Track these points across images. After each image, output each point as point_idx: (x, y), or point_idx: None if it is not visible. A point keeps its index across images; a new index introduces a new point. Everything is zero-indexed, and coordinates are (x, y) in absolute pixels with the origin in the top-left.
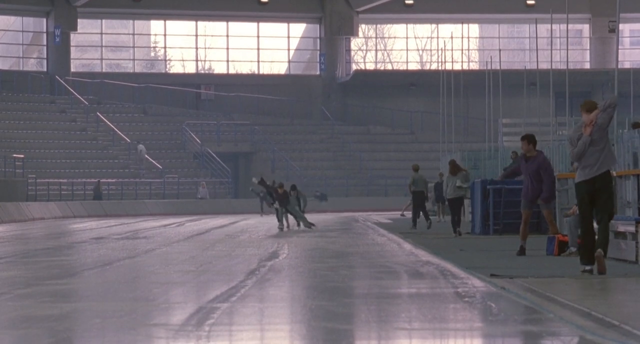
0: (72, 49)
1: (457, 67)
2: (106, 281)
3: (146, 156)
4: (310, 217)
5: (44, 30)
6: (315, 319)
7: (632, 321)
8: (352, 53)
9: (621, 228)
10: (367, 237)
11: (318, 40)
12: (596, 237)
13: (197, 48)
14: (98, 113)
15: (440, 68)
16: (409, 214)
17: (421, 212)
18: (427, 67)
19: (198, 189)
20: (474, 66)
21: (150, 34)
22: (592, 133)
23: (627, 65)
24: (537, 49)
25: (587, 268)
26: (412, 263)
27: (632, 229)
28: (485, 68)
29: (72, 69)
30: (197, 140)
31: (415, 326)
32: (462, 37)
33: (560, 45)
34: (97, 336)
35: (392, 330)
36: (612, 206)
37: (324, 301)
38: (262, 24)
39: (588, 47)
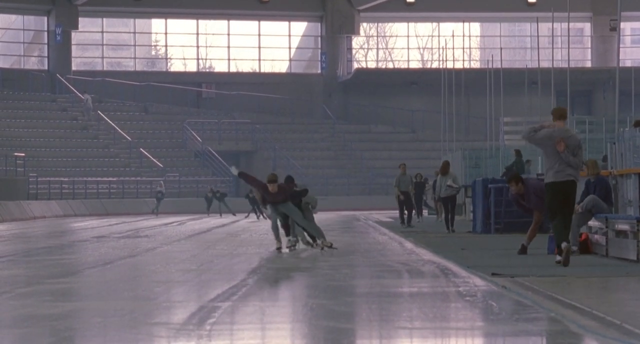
0: (73, 48)
1: (459, 65)
2: (107, 280)
3: (91, 105)
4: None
5: (45, 28)
6: (316, 318)
7: (633, 320)
8: (354, 52)
9: (622, 227)
10: (368, 236)
11: (319, 38)
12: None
13: (198, 46)
14: (99, 111)
15: (441, 67)
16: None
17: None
18: (428, 65)
19: (156, 188)
20: (475, 65)
21: (151, 33)
22: (563, 151)
23: (628, 63)
24: (538, 48)
25: (574, 248)
26: (413, 261)
27: (633, 228)
28: (486, 67)
29: (73, 68)
30: (198, 138)
31: (417, 325)
32: (464, 36)
33: (561, 43)
34: (98, 335)
35: (393, 329)
36: (572, 212)
37: (325, 300)
38: (263, 23)
39: (589, 46)
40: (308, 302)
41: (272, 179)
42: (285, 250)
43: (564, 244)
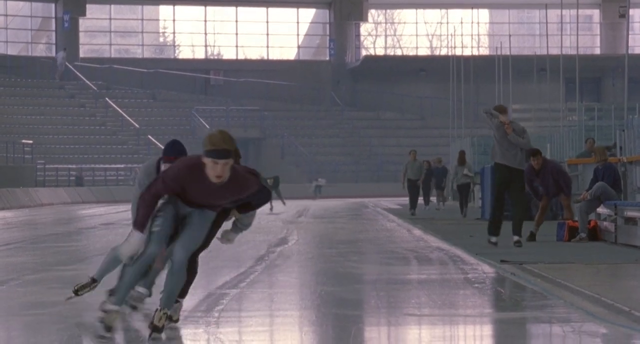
0: (81, 35)
1: (467, 52)
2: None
3: (66, 63)
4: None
5: (53, 15)
6: (324, 305)
7: None
8: (362, 38)
9: (631, 214)
10: (376, 223)
11: (327, 25)
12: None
13: (206, 33)
14: (107, 98)
15: (450, 53)
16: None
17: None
18: (437, 52)
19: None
20: (484, 52)
21: (159, 19)
22: (511, 133)
23: (637, 50)
24: (547, 35)
25: (493, 239)
26: (421, 248)
27: None
28: (495, 53)
29: (81, 55)
30: (207, 125)
31: (425, 312)
32: (472, 23)
33: (570, 30)
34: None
35: (401, 316)
36: (524, 198)
37: (333, 287)
38: (271, 9)
39: (598, 33)
40: (316, 289)
41: (222, 147)
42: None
43: (515, 238)
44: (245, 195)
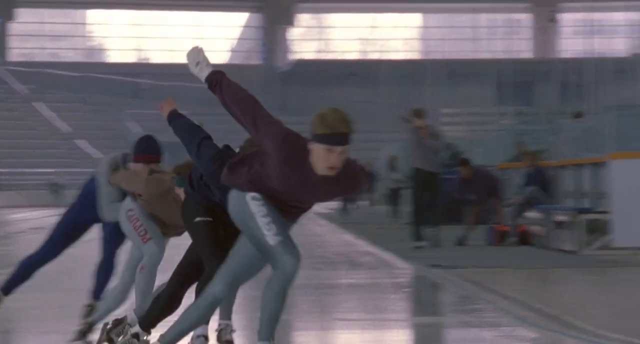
0: (12, 38)
1: (399, 56)
2: (45, 272)
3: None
4: None
5: None
6: (254, 309)
7: (573, 311)
8: (293, 42)
9: (561, 218)
10: (305, 227)
11: (259, 29)
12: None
13: (136, 37)
14: (36, 103)
15: (381, 58)
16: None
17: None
18: (368, 56)
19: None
20: (416, 56)
21: (89, 23)
22: (425, 136)
23: (568, 54)
24: (477, 39)
25: (418, 244)
26: (352, 253)
27: (571, 219)
28: (426, 58)
29: (12, 59)
30: (139, 129)
31: (355, 316)
32: (404, 27)
33: (501, 35)
34: (36, 326)
35: (331, 321)
36: (441, 200)
37: (261, 291)
38: (203, 13)
39: (529, 37)
40: (246, 294)
41: (340, 130)
42: None
43: (418, 243)
44: (346, 195)
